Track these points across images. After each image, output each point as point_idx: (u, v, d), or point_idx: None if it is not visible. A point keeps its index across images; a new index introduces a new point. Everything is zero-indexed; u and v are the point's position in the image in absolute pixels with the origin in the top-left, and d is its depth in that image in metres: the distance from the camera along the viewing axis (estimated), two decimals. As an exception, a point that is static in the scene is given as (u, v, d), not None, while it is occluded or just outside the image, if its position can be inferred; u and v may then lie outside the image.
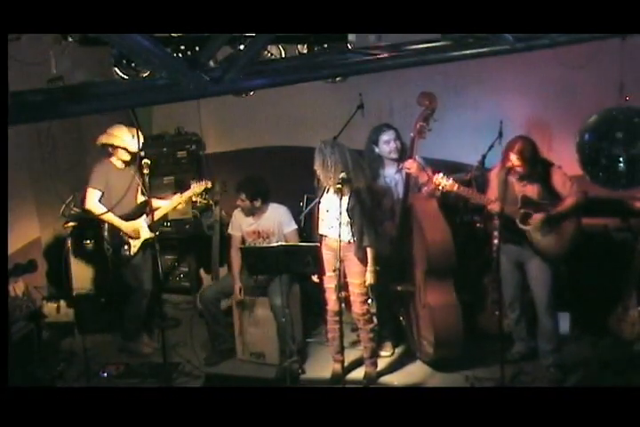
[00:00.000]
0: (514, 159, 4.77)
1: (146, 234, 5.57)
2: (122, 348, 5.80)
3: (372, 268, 5.00)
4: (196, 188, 5.72)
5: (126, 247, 5.55)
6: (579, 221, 4.98)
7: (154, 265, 5.43)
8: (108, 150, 5.49)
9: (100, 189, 5.44)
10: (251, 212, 5.47)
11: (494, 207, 4.87)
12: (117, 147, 5.44)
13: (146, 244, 5.57)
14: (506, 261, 5.01)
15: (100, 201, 5.43)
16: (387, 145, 5.29)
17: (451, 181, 4.91)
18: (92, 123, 6.04)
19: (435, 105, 5.07)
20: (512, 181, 4.87)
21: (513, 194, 4.87)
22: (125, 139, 5.42)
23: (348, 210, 4.86)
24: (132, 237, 5.55)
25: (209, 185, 5.78)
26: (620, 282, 5.34)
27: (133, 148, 5.36)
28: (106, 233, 5.50)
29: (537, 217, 4.87)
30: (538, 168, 4.87)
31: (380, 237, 5.13)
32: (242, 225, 5.54)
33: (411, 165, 5.10)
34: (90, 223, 5.66)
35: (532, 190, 4.91)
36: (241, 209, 5.50)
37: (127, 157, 5.47)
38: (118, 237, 5.53)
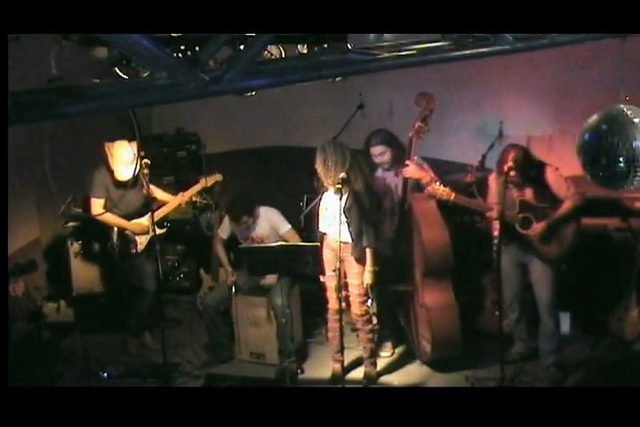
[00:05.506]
0: (508, 169, 4.81)
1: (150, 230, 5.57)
2: (126, 343, 5.82)
3: (370, 268, 4.99)
4: (209, 180, 5.72)
5: (132, 246, 5.56)
6: (578, 222, 4.98)
7: (155, 265, 5.41)
8: (106, 160, 5.45)
9: (101, 197, 5.43)
10: (247, 225, 5.50)
11: (493, 214, 4.92)
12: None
13: (152, 241, 5.53)
14: (507, 261, 5.01)
15: (105, 206, 5.42)
16: (377, 158, 5.27)
17: (448, 189, 4.92)
18: (90, 123, 6.03)
19: (433, 106, 5.01)
20: (510, 185, 4.87)
21: (511, 199, 4.87)
22: (121, 159, 5.37)
23: (345, 210, 4.85)
24: (138, 234, 5.55)
25: (219, 178, 5.79)
26: (621, 282, 5.35)
27: (128, 162, 5.31)
28: (113, 233, 5.50)
29: (537, 226, 4.87)
30: (532, 173, 4.86)
31: (379, 237, 5.13)
32: (234, 231, 5.58)
33: (410, 172, 5.07)
34: (92, 223, 5.66)
35: (529, 194, 4.92)
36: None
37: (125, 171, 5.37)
38: (125, 236, 5.54)
